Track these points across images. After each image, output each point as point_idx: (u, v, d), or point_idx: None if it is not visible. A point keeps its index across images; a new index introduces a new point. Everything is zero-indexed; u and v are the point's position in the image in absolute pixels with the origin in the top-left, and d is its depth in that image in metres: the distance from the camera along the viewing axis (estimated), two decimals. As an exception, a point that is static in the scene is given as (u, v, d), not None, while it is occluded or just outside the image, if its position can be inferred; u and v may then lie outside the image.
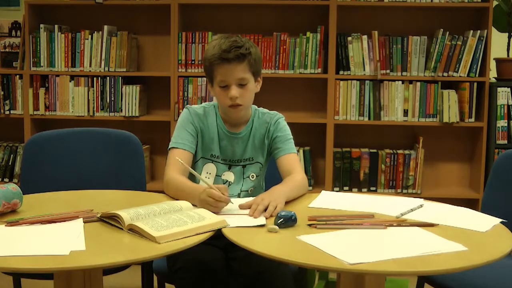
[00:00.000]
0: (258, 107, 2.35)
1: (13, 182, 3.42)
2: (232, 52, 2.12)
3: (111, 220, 1.78)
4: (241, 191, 2.25)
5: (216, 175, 2.25)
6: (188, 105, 2.32)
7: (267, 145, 2.29)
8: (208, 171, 2.25)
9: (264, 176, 2.36)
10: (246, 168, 2.27)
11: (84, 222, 1.79)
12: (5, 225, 1.74)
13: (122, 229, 1.72)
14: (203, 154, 2.25)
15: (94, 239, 1.66)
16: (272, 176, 2.33)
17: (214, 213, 1.86)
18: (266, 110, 2.34)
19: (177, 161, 2.11)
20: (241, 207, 1.95)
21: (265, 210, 1.88)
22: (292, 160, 2.24)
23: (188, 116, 2.26)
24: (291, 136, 2.30)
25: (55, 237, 1.65)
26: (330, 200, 2.11)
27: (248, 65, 2.16)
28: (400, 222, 1.83)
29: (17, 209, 1.92)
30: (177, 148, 2.21)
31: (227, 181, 2.25)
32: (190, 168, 2.07)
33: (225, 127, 2.26)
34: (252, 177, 2.27)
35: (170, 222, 1.72)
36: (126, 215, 1.73)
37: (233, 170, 2.26)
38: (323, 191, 2.22)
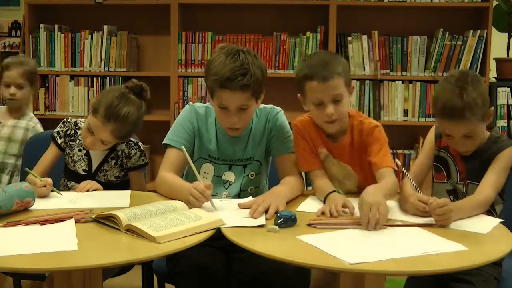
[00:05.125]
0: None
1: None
2: (236, 82, 2.02)
3: (106, 220, 1.77)
4: (240, 190, 2.24)
5: (215, 175, 2.24)
6: (191, 102, 2.31)
7: (266, 140, 2.27)
8: (206, 171, 2.25)
9: (267, 176, 2.36)
10: (247, 168, 2.27)
11: (83, 222, 1.79)
12: (4, 225, 1.75)
13: (119, 229, 1.71)
14: (201, 154, 2.25)
15: (94, 239, 1.66)
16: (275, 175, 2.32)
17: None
18: (263, 105, 2.30)
19: (172, 160, 2.15)
20: (241, 206, 1.95)
21: (266, 211, 1.88)
22: (290, 161, 2.24)
23: (188, 114, 2.26)
24: (290, 133, 2.28)
25: (54, 237, 1.65)
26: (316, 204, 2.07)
27: (251, 93, 2.07)
28: (400, 222, 1.83)
29: (30, 207, 1.93)
30: (172, 146, 2.20)
31: (227, 181, 2.25)
32: (194, 170, 2.07)
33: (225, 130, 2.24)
34: (252, 176, 2.27)
35: (167, 222, 1.72)
36: (123, 215, 1.72)
37: (234, 170, 2.25)
38: (310, 196, 2.18)
